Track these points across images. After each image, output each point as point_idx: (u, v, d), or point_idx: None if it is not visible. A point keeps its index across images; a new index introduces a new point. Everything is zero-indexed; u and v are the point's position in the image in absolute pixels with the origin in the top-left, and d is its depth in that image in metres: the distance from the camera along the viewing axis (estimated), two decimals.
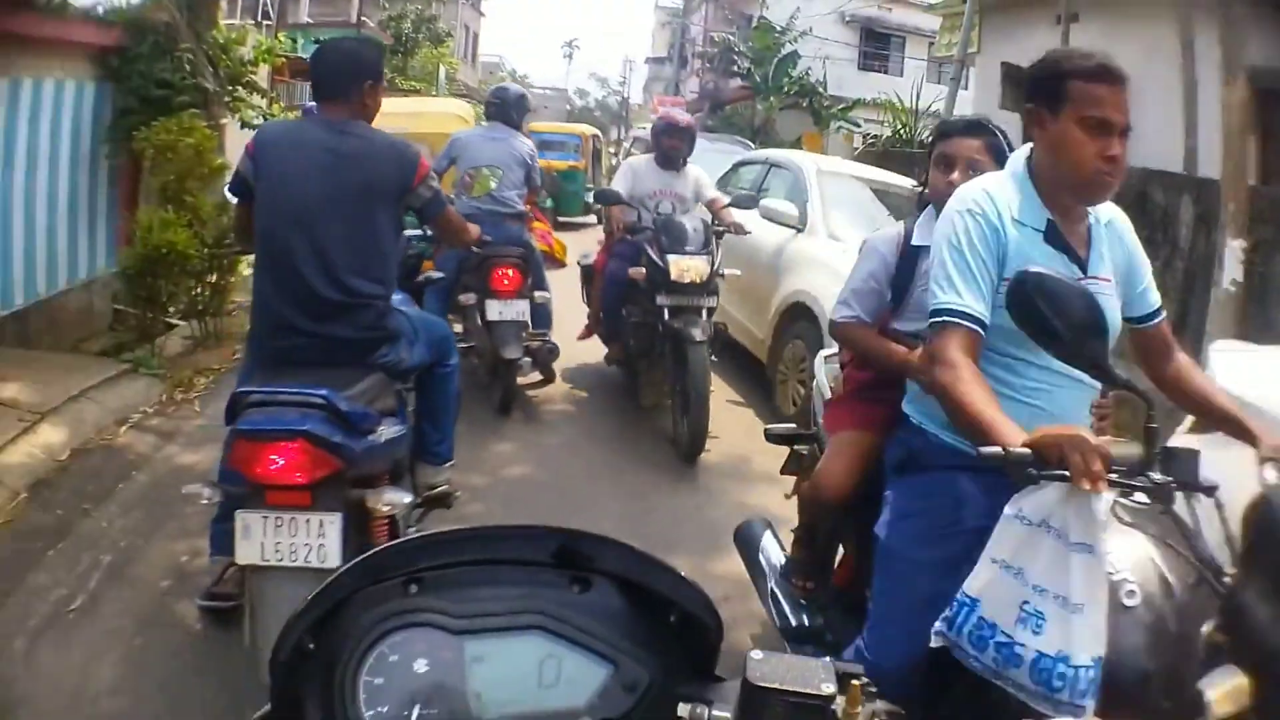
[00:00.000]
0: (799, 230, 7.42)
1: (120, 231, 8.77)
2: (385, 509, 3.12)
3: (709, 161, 13.09)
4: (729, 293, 8.15)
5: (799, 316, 6.91)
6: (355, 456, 3.00)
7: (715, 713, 0.97)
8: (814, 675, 0.89)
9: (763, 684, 0.89)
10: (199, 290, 7.86)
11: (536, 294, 6.37)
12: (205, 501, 3.23)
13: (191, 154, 7.70)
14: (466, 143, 6.82)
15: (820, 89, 25.82)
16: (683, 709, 0.98)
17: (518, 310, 6.13)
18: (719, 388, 7.90)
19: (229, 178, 4.04)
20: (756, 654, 0.93)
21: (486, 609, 1.06)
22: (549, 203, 14.60)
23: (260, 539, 2.84)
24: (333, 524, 2.87)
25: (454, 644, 1.03)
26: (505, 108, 7.01)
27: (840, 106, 25.11)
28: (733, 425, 7.20)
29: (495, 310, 6.09)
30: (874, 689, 0.93)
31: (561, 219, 17.31)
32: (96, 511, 4.99)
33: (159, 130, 7.72)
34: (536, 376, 7.26)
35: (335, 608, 1.05)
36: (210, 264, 7.81)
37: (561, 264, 9.15)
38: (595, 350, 7.76)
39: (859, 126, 24.13)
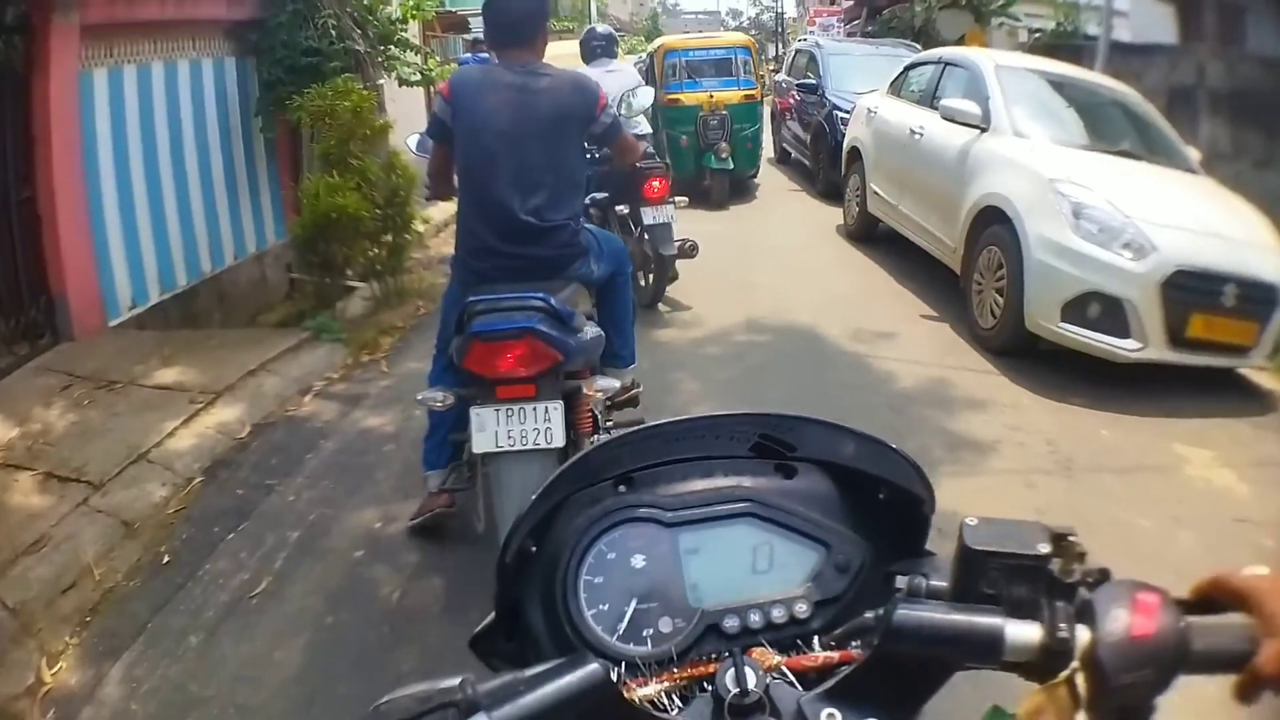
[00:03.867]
0: (983, 130, 7.27)
1: (287, 202, 9.01)
2: (600, 394, 3.75)
3: (876, 67, 12.48)
4: (914, 201, 8.09)
5: (992, 221, 6.66)
6: (570, 351, 3.48)
7: (932, 582, 1.00)
8: (1030, 536, 0.90)
9: (979, 548, 0.90)
10: (375, 251, 7.84)
11: (675, 200, 7.38)
12: (439, 406, 3.68)
13: (350, 117, 7.65)
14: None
15: None
16: (900, 581, 1.02)
17: (667, 213, 7.18)
18: (909, 302, 7.60)
19: (395, 136, 5.09)
20: (971, 520, 0.92)
21: (697, 500, 1.12)
22: (729, 164, 11.91)
23: (494, 429, 3.39)
24: (556, 410, 3.42)
25: (668, 537, 1.09)
26: (609, 44, 8.32)
27: (1000, 2, 24.41)
28: (926, 341, 6.71)
29: (650, 215, 7.13)
30: (1082, 547, 0.89)
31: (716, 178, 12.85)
32: (281, 487, 4.76)
33: (313, 97, 7.72)
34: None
35: (552, 512, 1.11)
36: (384, 224, 7.76)
37: None
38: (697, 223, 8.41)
39: (1019, 21, 23.79)
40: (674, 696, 0.96)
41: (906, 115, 8.71)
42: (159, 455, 5.05)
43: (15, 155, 6.26)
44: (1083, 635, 0.85)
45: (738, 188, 12.53)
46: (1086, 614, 0.86)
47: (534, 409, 3.42)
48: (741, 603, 1.05)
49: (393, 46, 9.52)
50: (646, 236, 7.20)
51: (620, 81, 7.57)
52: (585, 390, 3.68)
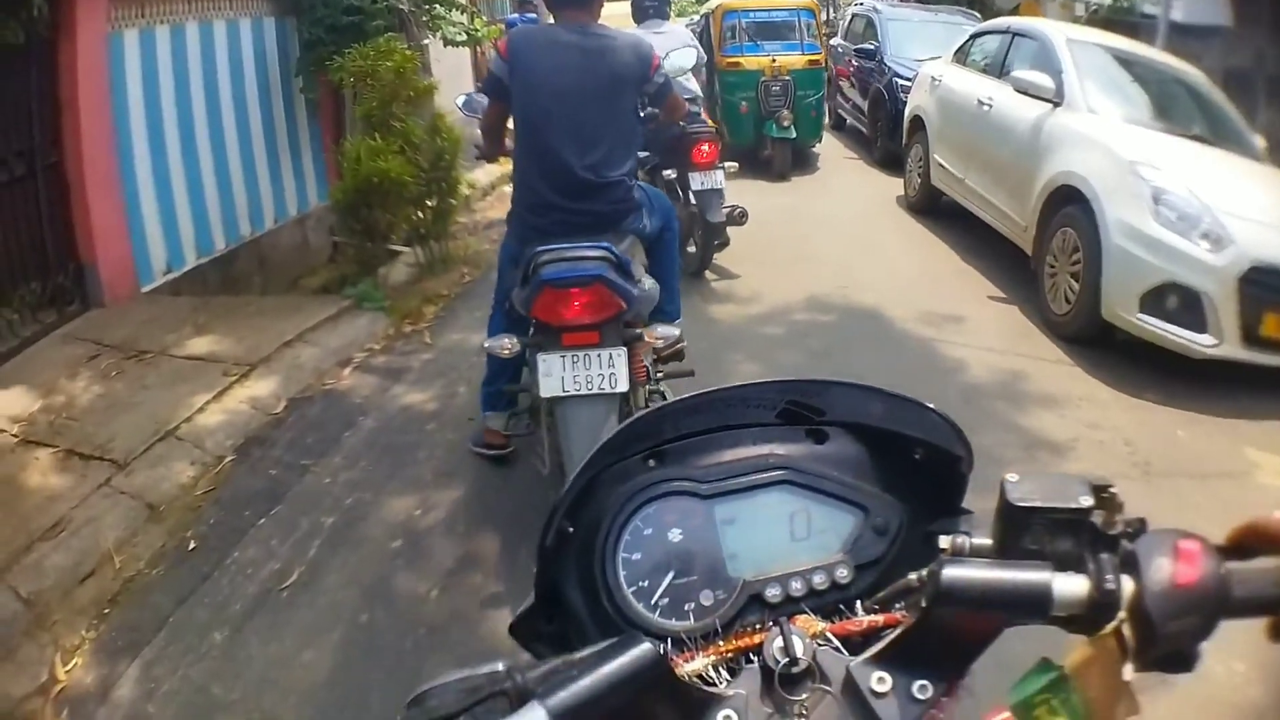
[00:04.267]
0: (1055, 104, 6.90)
1: (329, 164, 8.75)
2: (660, 341, 3.90)
3: (935, 34, 12.12)
4: (981, 175, 7.70)
5: (1067, 201, 6.26)
6: (632, 300, 3.61)
7: (975, 540, 0.97)
8: (1071, 489, 0.90)
9: (1023, 504, 0.89)
10: (419, 216, 7.57)
11: (725, 165, 7.23)
12: (505, 353, 3.72)
13: (393, 77, 7.35)
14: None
15: None
16: (943, 541, 0.98)
17: (717, 179, 7.06)
18: (976, 281, 7.16)
19: (440, 98, 5.28)
20: (1012, 476, 0.91)
21: (730, 471, 1.12)
22: (790, 133, 11.11)
23: (560, 374, 3.52)
24: (620, 356, 3.56)
25: (704, 509, 1.09)
26: (661, 4, 7.94)
27: None
28: (995, 325, 6.32)
29: (699, 180, 7.01)
30: (1121, 498, 0.89)
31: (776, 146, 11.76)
32: (317, 467, 4.51)
33: (354, 57, 7.45)
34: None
35: (585, 490, 1.10)
36: (428, 188, 7.47)
37: None
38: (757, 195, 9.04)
39: None
40: (721, 669, 0.95)
41: (974, 85, 8.31)
42: (188, 432, 4.81)
43: (42, 119, 6.03)
44: (1128, 586, 0.84)
45: (798, 157, 11.77)
46: (1130, 564, 0.86)
47: (598, 355, 3.55)
48: (782, 571, 1.06)
49: (438, 5, 9.18)
50: (694, 202, 7.08)
51: (668, 43, 7.32)
52: (646, 338, 3.83)
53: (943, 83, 8.99)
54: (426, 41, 9.22)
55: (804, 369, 5.61)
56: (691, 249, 7.35)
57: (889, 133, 11.49)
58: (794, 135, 11.30)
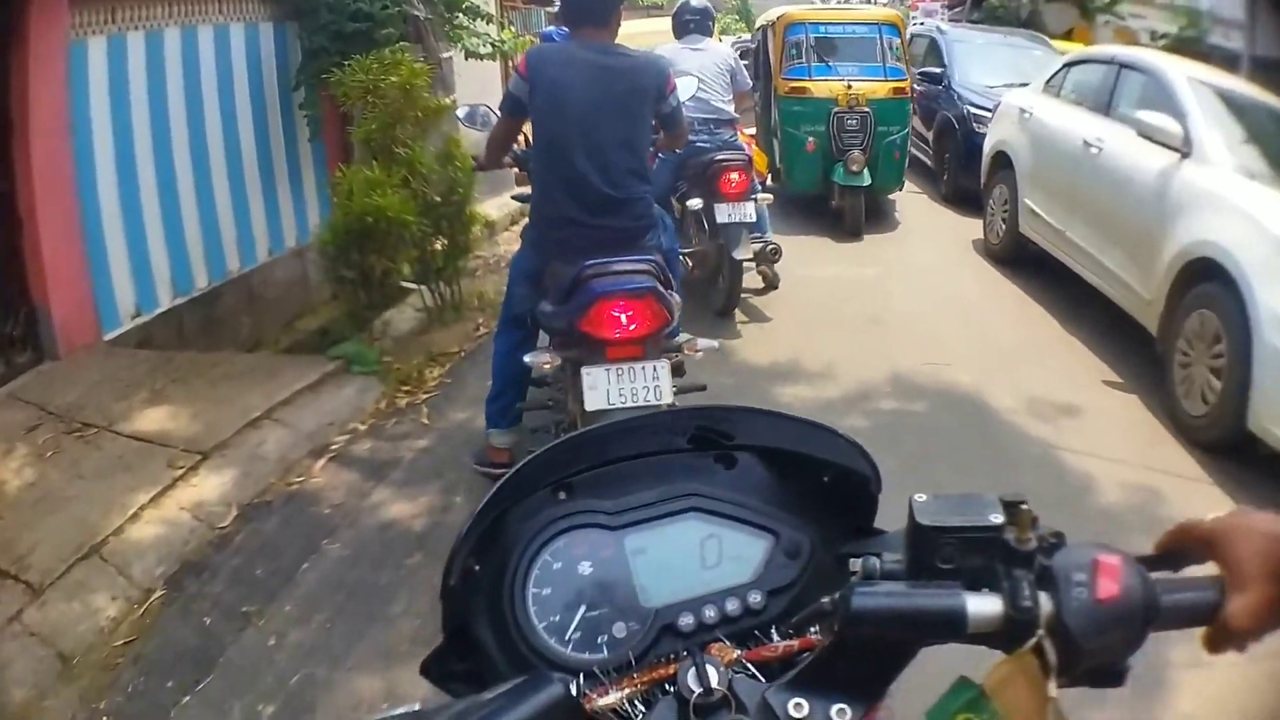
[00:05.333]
0: (1184, 154, 5.76)
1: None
2: (699, 354, 4.01)
3: (1004, 58, 11.40)
4: (1088, 229, 6.65)
5: (1205, 276, 5.17)
6: (673, 313, 3.71)
7: (886, 562, 0.95)
8: (981, 507, 0.91)
9: (932, 524, 0.90)
10: (425, 257, 6.54)
11: (757, 196, 6.77)
12: (547, 368, 3.81)
13: (398, 94, 6.33)
14: (671, 58, 6.54)
15: None
16: (854, 564, 1.01)
17: (745, 212, 6.55)
18: (1085, 358, 6.14)
19: (460, 113, 4.97)
20: (920, 496, 0.92)
21: (639, 500, 1.11)
22: (865, 179, 9.18)
23: (606, 388, 3.57)
24: (663, 368, 3.65)
25: (613, 540, 1.08)
26: (704, 19, 7.39)
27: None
28: (1118, 424, 5.20)
29: (724, 213, 6.50)
30: (1034, 513, 0.89)
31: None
32: (262, 618, 3.51)
33: (354, 70, 6.41)
34: (760, 284, 7.52)
35: (492, 526, 1.08)
36: (437, 225, 6.45)
37: (762, 176, 8.28)
38: (820, 260, 8.23)
39: (1123, 20, 22.83)
40: (636, 702, 0.94)
41: (1076, 122, 7.16)
42: (116, 550, 3.89)
43: None
44: (1046, 602, 0.84)
45: (872, 208, 9.75)
46: (1047, 580, 0.85)
47: (643, 368, 3.61)
48: (693, 598, 1.05)
49: (460, 14, 8.20)
50: (721, 237, 6.60)
51: (704, 61, 7.06)
52: (685, 350, 3.97)
53: (1034, 116, 7.87)
54: (448, 55, 8.22)
55: (901, 480, 4.52)
56: (720, 286, 6.85)
57: (959, 166, 10.41)
58: (869, 183, 9.30)
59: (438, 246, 6.52)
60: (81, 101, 5.58)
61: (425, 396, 5.44)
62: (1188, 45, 15.56)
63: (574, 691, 0.89)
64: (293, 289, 7.47)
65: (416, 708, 0.80)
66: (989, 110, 9.78)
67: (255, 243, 7.10)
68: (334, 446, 4.82)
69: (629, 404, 3.57)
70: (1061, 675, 0.82)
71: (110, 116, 5.79)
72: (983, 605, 0.84)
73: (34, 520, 3.99)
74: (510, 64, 9.86)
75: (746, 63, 8.73)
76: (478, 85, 8.95)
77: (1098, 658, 0.84)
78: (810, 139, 9.49)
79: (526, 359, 3.85)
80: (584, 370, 3.60)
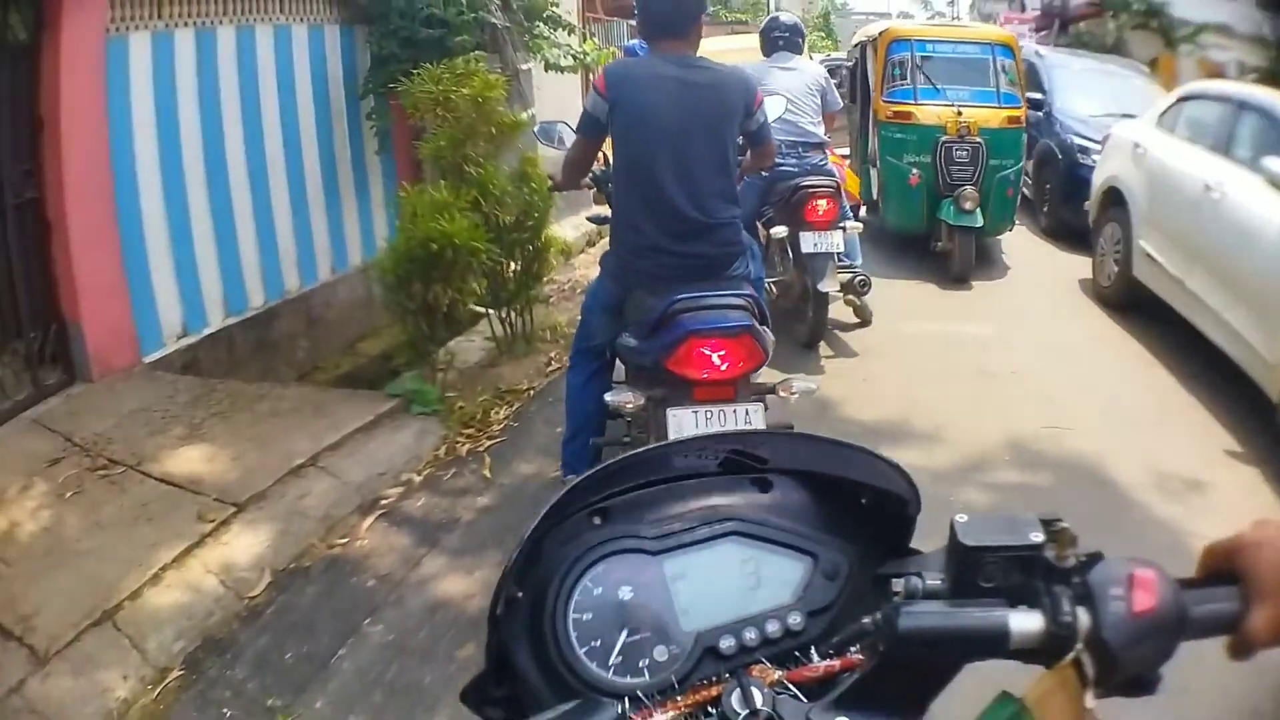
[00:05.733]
0: None
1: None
2: (795, 396, 3.79)
3: (1103, 86, 10.84)
4: (1208, 281, 5.95)
5: None
6: (769, 351, 3.52)
7: (928, 582, 0.97)
8: (1022, 527, 0.91)
9: (975, 544, 0.91)
10: (494, 282, 6.04)
11: (847, 224, 6.52)
12: (629, 408, 3.60)
13: (470, 108, 5.81)
14: (759, 77, 6.06)
15: (1165, 9, 24.62)
16: (896, 584, 1.00)
17: (832, 242, 6.31)
18: (1205, 423, 5.47)
19: (537, 130, 4.66)
20: (961, 517, 0.93)
21: (677, 525, 1.10)
22: (977, 220, 8.23)
23: (693, 431, 3.37)
24: (757, 411, 3.47)
25: (653, 565, 1.07)
26: (793, 36, 7.05)
27: (1190, 30, 23.77)
28: (1243, 502, 4.61)
29: (810, 242, 6.25)
30: (1073, 532, 0.91)
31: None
32: (292, 713, 3.01)
33: (423, 80, 5.91)
34: (852, 318, 7.25)
35: (533, 552, 1.09)
36: (509, 252, 5.93)
37: (854, 198, 8.06)
38: (924, 312, 7.49)
39: (1205, 50, 22.75)
40: None
41: (1194, 163, 6.52)
42: (132, 617, 3.46)
43: (16, 145, 4.68)
44: (1084, 617, 0.86)
45: (979, 251, 8.63)
46: (1086, 596, 0.87)
47: (734, 410, 3.44)
48: (734, 621, 1.05)
49: (541, 23, 7.70)
50: (806, 267, 6.34)
51: (794, 81, 6.74)
52: (780, 392, 3.77)
53: (1148, 153, 7.22)
54: (527, 66, 7.73)
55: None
56: (806, 320, 6.52)
57: (1061, 199, 9.79)
58: (980, 223, 8.29)
59: (509, 273, 6.01)
60: (121, 102, 5.20)
61: (489, 443, 4.92)
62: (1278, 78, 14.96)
63: (622, 714, 0.91)
64: (355, 310, 7.03)
65: None
66: (1094, 140, 9.25)
67: (316, 260, 6.68)
68: (385, 501, 4.32)
69: None
70: (1098, 687, 0.84)
71: (155, 119, 5.41)
72: (1024, 622, 0.86)
73: (44, 573, 3.59)
74: (590, 77, 9.47)
75: (837, 81, 8.22)
76: (557, 99, 8.49)
77: (1133, 668, 0.85)
78: (914, 171, 8.52)
79: (607, 398, 3.65)
80: (670, 412, 3.43)
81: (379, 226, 7.32)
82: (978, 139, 8.34)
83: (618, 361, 3.99)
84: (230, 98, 5.89)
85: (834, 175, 6.68)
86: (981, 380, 5.98)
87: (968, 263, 8.26)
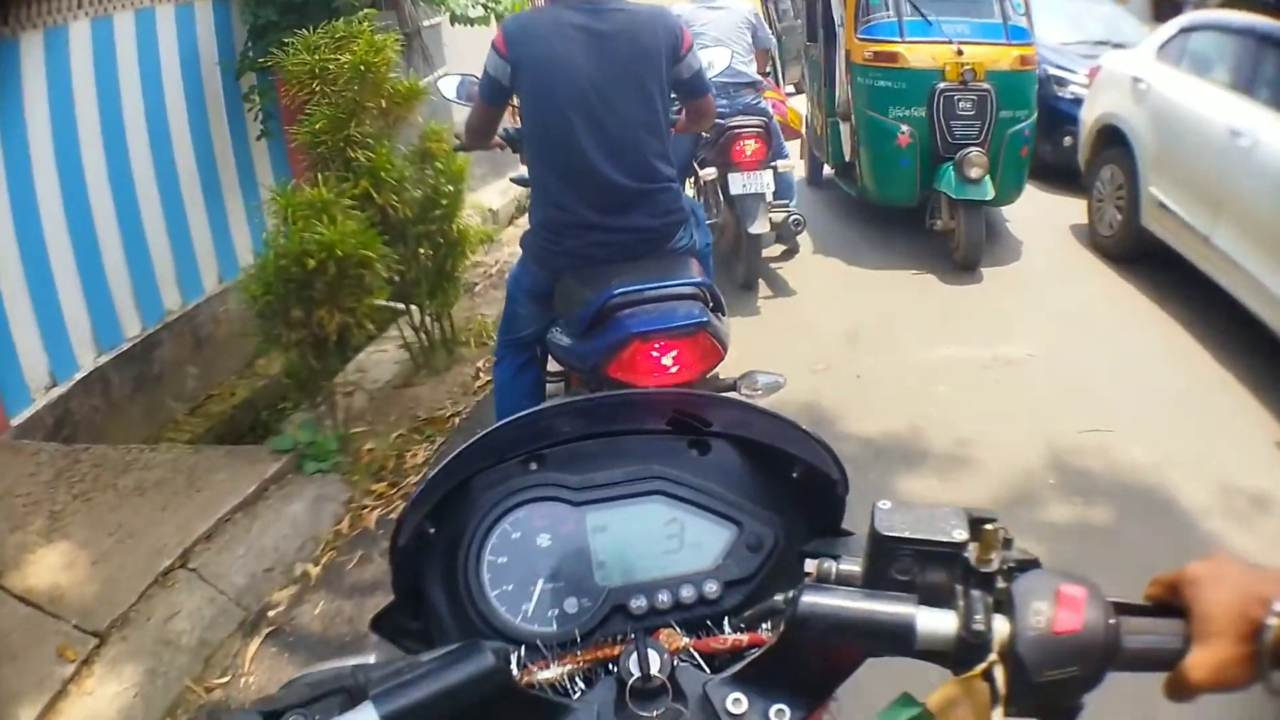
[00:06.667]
0: None
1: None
2: (760, 394, 3.57)
3: (1071, 13, 10.21)
4: (1239, 239, 5.33)
5: None
6: (726, 345, 3.18)
7: (843, 566, 0.99)
8: (945, 522, 0.88)
9: (892, 534, 0.88)
10: (403, 287, 5.22)
11: (778, 163, 6.48)
12: None
13: (351, 76, 4.83)
14: (686, 19, 5.78)
15: None
16: (809, 564, 1.01)
17: (761, 182, 6.28)
18: (1254, 413, 4.86)
19: (445, 88, 4.12)
20: (884, 504, 0.90)
21: (606, 478, 1.11)
22: (986, 191, 6.72)
23: None
24: None
25: (575, 515, 1.09)
26: None
27: None
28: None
29: (739, 184, 6.25)
30: (1008, 535, 0.88)
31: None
32: None
33: (296, 49, 4.93)
34: (780, 249, 7.32)
35: (458, 491, 1.10)
36: (416, 250, 5.11)
37: (796, 133, 8.18)
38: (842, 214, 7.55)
39: None
40: (578, 679, 0.95)
41: (1211, 103, 5.85)
42: None
43: None
44: (1002, 627, 0.82)
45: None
46: (1006, 605, 0.84)
47: None
48: (650, 581, 1.05)
49: None
50: (736, 209, 6.38)
51: (724, 20, 6.58)
52: (744, 391, 3.58)
53: (1151, 88, 6.54)
54: (432, 21, 6.85)
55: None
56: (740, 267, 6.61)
57: (1039, 134, 9.06)
58: (990, 195, 6.80)
59: (417, 274, 5.25)
60: None
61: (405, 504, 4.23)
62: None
63: (515, 663, 0.92)
64: (250, 322, 6.25)
65: (350, 664, 0.82)
66: (1068, 70, 9.03)
67: (200, 271, 5.86)
68: (274, 611, 3.61)
69: None
70: (1010, 705, 0.80)
71: None
72: (934, 622, 0.83)
73: None
74: None
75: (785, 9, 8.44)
76: (471, 57, 7.62)
77: (1050, 692, 0.81)
78: (903, 129, 7.00)
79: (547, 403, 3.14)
80: None
81: (271, 222, 6.52)
82: (985, 85, 6.87)
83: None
84: (86, 100, 5.05)
85: (766, 114, 6.58)
86: (997, 368, 5.31)
87: (976, 246, 6.84)
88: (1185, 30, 6.77)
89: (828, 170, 8.46)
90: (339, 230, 4.24)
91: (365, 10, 5.43)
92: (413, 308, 5.40)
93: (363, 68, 4.84)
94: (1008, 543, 0.86)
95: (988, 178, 6.71)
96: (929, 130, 6.89)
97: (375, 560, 3.89)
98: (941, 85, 6.83)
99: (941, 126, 6.86)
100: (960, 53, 6.83)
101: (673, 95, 3.60)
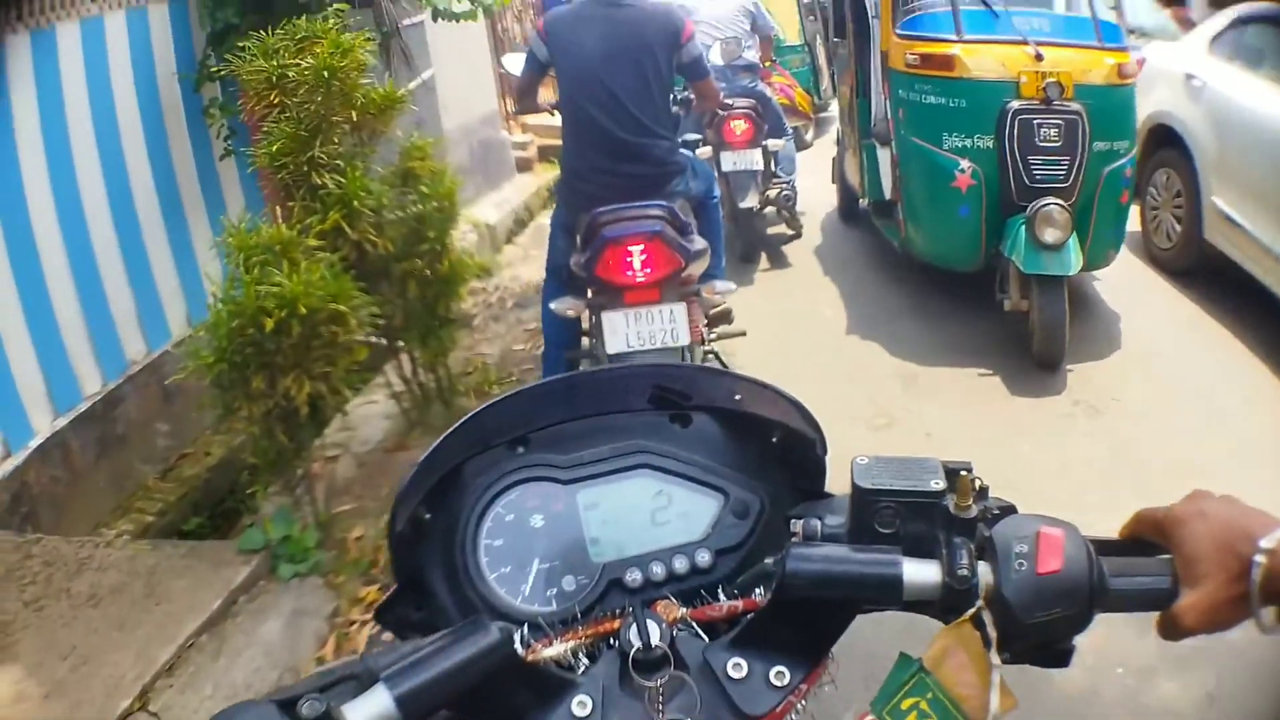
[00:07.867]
0: None
1: (278, 216, 5.31)
2: (718, 296, 4.42)
3: None
4: (1242, 195, 5.36)
5: None
6: (689, 256, 4.03)
7: (828, 523, 1.00)
8: (922, 472, 0.92)
9: (871, 486, 0.92)
10: (388, 331, 4.66)
11: (770, 141, 7.09)
12: (572, 314, 4.26)
13: (315, 84, 4.16)
14: (688, 7, 6.31)
15: None
16: (795, 525, 1.02)
17: (751, 160, 6.90)
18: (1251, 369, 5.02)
19: (508, 63, 5.25)
20: (862, 459, 0.95)
21: (593, 455, 1.13)
22: (1072, 261, 5.02)
23: (625, 331, 3.95)
24: (679, 310, 3.99)
25: (566, 494, 1.12)
26: None
27: None
28: None
29: (729, 161, 6.86)
30: (983, 482, 0.92)
31: None
32: None
33: (254, 54, 4.27)
34: (786, 230, 7.87)
35: (450, 477, 1.11)
36: (401, 291, 4.56)
37: (807, 116, 9.48)
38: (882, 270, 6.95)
39: None
40: (580, 654, 0.97)
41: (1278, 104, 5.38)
42: None
43: None
44: (986, 573, 0.84)
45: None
46: (989, 551, 0.85)
47: (659, 311, 3.94)
48: (643, 554, 1.07)
49: None
50: (729, 185, 6.89)
51: (723, 9, 7.22)
52: (704, 293, 4.26)
53: (1208, 86, 6.09)
54: (414, 20, 6.37)
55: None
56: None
57: None
58: (1075, 267, 5.14)
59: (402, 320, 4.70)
60: None
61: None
62: None
63: (519, 641, 0.92)
64: (207, 390, 5.73)
65: (359, 656, 0.83)
66: None
67: (165, 312, 5.36)
68: None
69: (647, 346, 3.91)
70: (1003, 649, 0.83)
71: None
72: (920, 572, 0.85)
73: None
74: (499, 25, 9.41)
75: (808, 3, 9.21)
76: (457, 55, 7.09)
77: (1040, 633, 0.83)
78: (963, 165, 5.38)
79: (552, 305, 4.25)
80: (604, 315, 3.98)
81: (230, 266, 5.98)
82: (1074, 106, 5.21)
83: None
84: (27, 126, 4.57)
85: (759, 96, 7.28)
86: (1084, 417, 4.90)
87: (1055, 335, 5.15)
88: (1240, 21, 6.30)
89: (864, 202, 7.20)
90: (302, 280, 3.62)
91: (335, 6, 4.79)
92: (402, 356, 4.88)
93: (327, 73, 4.18)
94: (984, 491, 0.89)
95: (1073, 240, 5.11)
96: (998, 168, 5.32)
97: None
98: (1015, 105, 5.25)
99: (1016, 163, 5.27)
100: (1040, 58, 5.26)
101: (682, 78, 4.79)
